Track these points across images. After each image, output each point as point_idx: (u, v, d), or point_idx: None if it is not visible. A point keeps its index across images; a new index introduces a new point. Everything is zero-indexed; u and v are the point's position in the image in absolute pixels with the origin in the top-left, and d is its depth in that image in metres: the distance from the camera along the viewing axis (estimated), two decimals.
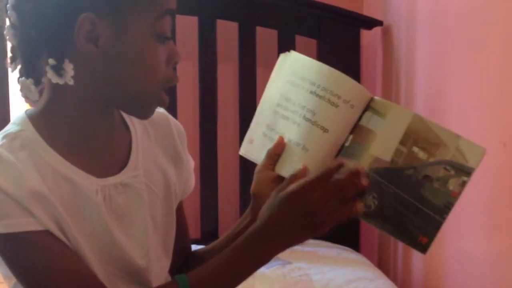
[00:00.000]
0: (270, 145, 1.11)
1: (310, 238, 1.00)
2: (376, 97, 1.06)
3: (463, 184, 0.98)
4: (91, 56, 0.96)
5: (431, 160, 1.00)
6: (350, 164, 1.03)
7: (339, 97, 1.06)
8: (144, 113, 1.04)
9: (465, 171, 0.98)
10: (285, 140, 1.09)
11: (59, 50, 0.97)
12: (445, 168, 0.99)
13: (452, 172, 0.99)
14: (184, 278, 1.00)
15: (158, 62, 0.99)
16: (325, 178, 0.99)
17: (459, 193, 0.98)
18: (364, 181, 0.99)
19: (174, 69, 1.03)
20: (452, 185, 0.99)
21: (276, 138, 1.11)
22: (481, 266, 1.77)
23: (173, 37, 1.03)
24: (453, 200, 0.98)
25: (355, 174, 0.99)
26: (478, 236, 1.76)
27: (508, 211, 1.63)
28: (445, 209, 0.98)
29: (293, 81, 1.10)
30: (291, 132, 1.09)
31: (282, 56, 1.14)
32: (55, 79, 0.97)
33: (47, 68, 0.97)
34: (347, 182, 0.99)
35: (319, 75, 1.08)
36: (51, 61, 0.96)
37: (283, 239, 1.00)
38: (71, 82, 0.97)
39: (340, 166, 1.00)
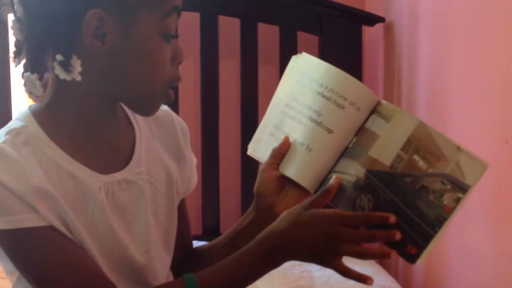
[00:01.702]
0: (276, 144, 1.11)
1: (318, 264, 1.00)
2: (383, 101, 1.06)
3: (458, 200, 0.97)
4: (98, 52, 0.97)
5: (430, 171, 0.99)
6: (352, 165, 1.03)
7: (345, 99, 1.06)
8: (148, 110, 1.05)
9: (462, 188, 0.98)
10: (290, 140, 1.10)
11: (66, 45, 0.97)
12: (442, 182, 0.98)
13: (449, 187, 0.98)
14: (192, 278, 1.00)
15: (163, 60, 1.00)
16: (364, 220, 0.98)
17: (452, 209, 0.97)
18: (398, 236, 0.97)
19: (177, 68, 1.04)
20: (446, 199, 0.98)
21: (282, 137, 1.11)
22: (483, 262, 1.78)
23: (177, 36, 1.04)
24: (446, 215, 0.97)
25: (391, 235, 0.97)
26: (480, 233, 1.77)
27: (510, 207, 1.64)
28: (437, 222, 0.97)
29: (302, 81, 1.10)
30: (296, 132, 1.09)
31: (293, 58, 1.14)
32: (62, 75, 0.97)
33: (55, 64, 0.97)
34: (380, 236, 0.98)
35: (326, 76, 1.08)
36: (58, 57, 0.96)
37: (297, 255, 1.00)
38: (79, 78, 0.97)
39: (384, 220, 0.98)
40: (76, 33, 0.96)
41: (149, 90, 1.00)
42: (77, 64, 0.96)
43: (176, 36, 1.01)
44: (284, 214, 1.01)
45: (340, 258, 0.98)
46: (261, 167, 1.12)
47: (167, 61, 1.00)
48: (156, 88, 1.01)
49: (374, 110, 1.06)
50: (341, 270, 0.98)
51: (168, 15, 0.98)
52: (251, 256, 1.00)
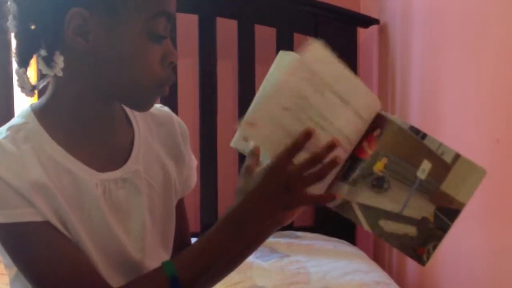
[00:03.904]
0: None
1: (285, 208, 1.01)
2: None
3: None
4: (82, 50, 0.98)
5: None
6: None
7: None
8: (140, 107, 1.06)
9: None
10: None
11: (50, 41, 0.98)
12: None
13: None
14: (171, 264, 1.01)
15: (150, 60, 0.99)
16: (297, 149, 0.98)
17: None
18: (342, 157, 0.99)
19: (173, 69, 1.04)
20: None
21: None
22: (474, 259, 1.79)
23: (172, 37, 1.03)
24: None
25: (330, 147, 0.98)
26: (471, 231, 1.77)
27: (501, 206, 1.65)
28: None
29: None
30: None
31: (284, 54, 1.06)
32: (45, 70, 0.99)
33: (39, 59, 0.99)
34: (329, 167, 0.98)
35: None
36: (42, 52, 0.98)
37: (260, 213, 1.00)
38: (60, 74, 0.98)
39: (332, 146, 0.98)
40: (61, 30, 0.97)
41: (137, 88, 1.01)
42: (59, 60, 0.98)
43: (165, 36, 1.01)
44: (237, 189, 1.03)
45: (302, 192, 0.98)
46: None
47: (156, 61, 1.00)
48: (145, 86, 1.01)
49: None
50: (308, 200, 1.00)
51: (154, 18, 0.98)
52: (220, 231, 1.01)
